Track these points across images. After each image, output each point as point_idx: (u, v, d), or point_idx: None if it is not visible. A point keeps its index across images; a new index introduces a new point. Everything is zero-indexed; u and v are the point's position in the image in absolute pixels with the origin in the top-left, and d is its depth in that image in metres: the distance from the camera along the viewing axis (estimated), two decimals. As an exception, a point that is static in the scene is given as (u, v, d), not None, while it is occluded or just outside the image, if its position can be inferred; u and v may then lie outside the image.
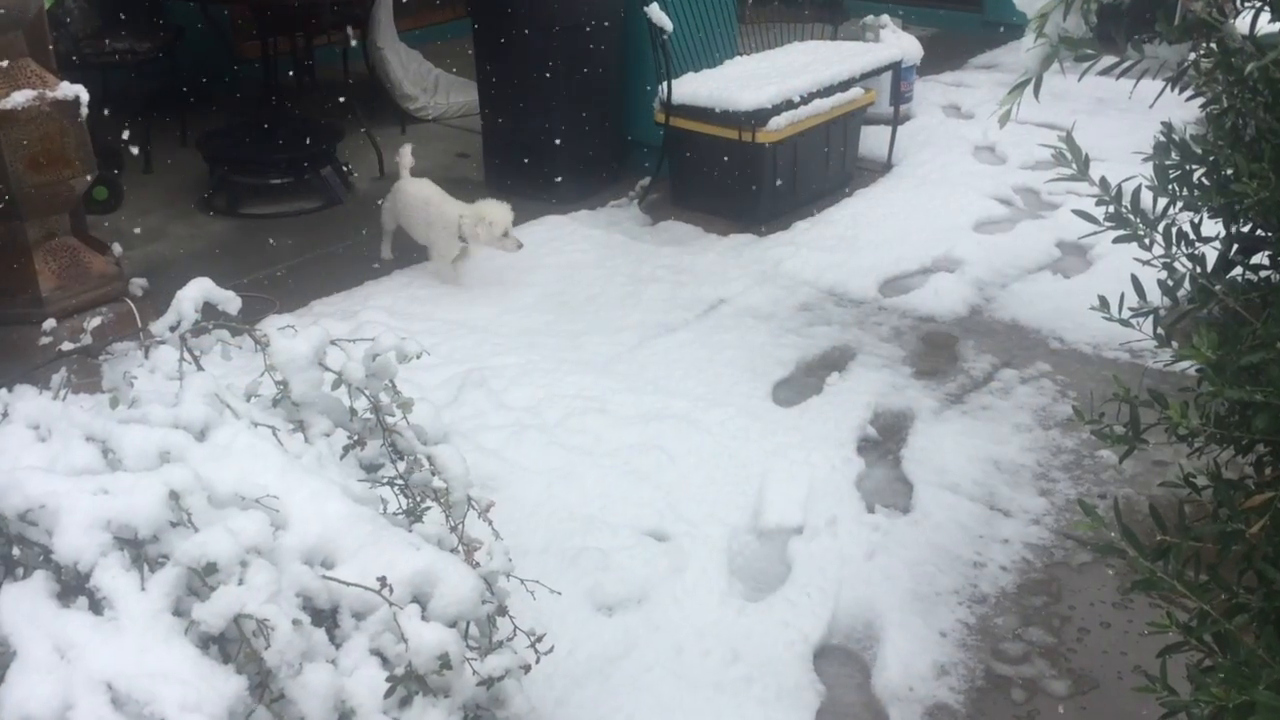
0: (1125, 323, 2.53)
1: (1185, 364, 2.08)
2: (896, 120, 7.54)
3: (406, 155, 5.73)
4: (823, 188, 6.85)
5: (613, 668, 3.13)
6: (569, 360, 4.83)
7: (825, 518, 3.78)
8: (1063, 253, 6.10)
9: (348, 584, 2.14)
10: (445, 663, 2.19)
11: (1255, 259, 2.53)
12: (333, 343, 2.70)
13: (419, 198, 5.58)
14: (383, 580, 2.16)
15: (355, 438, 2.77)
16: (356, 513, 2.27)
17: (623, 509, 3.79)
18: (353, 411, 2.74)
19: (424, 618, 2.27)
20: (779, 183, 6.42)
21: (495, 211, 5.28)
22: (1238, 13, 2.32)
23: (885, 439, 4.38)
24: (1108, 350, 5.04)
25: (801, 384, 4.80)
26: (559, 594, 2.85)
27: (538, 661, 2.57)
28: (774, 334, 5.15)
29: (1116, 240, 2.42)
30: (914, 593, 3.49)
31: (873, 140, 7.59)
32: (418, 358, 2.79)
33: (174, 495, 2.00)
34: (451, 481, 2.75)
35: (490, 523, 2.77)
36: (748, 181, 6.34)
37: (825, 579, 3.51)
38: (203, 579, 1.92)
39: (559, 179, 6.78)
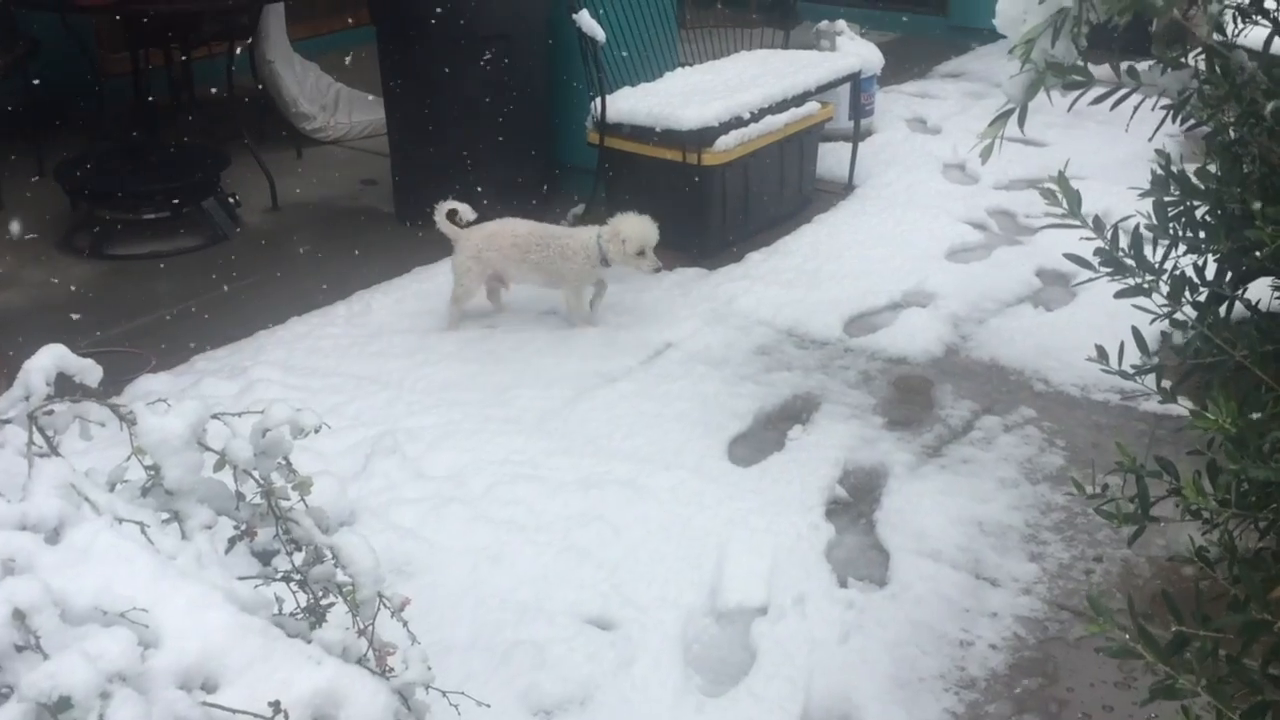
0: (1127, 375, 2.52)
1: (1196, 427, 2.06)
2: (857, 136, 7.62)
3: (458, 205, 5.46)
4: (778, 214, 6.87)
5: (552, 783, 3.03)
6: (495, 419, 4.74)
7: (792, 595, 3.73)
8: (1043, 282, 6.18)
9: (234, 711, 2.03)
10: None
11: (1255, 290, 2.55)
12: (214, 417, 2.59)
13: (528, 236, 5.43)
14: (276, 705, 2.05)
15: (243, 527, 2.66)
16: (244, 623, 2.15)
17: (561, 593, 3.70)
18: (240, 497, 2.63)
19: (327, 744, 2.17)
20: (729, 209, 6.44)
21: (632, 226, 5.24)
22: (1237, 31, 2.34)
23: (857, 500, 4.35)
24: (1097, 392, 5.08)
25: (760, 439, 4.76)
26: (487, 706, 2.75)
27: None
28: (728, 382, 5.12)
29: (1118, 295, 2.42)
30: (895, 679, 3.45)
31: (832, 159, 7.67)
32: (316, 431, 2.69)
33: (18, 614, 1.87)
34: (358, 576, 2.65)
35: (405, 623, 2.67)
36: (694, 209, 6.34)
37: (794, 667, 3.45)
38: (54, 716, 1.79)
39: (480, 207, 6.65)
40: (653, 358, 5.36)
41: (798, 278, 6.09)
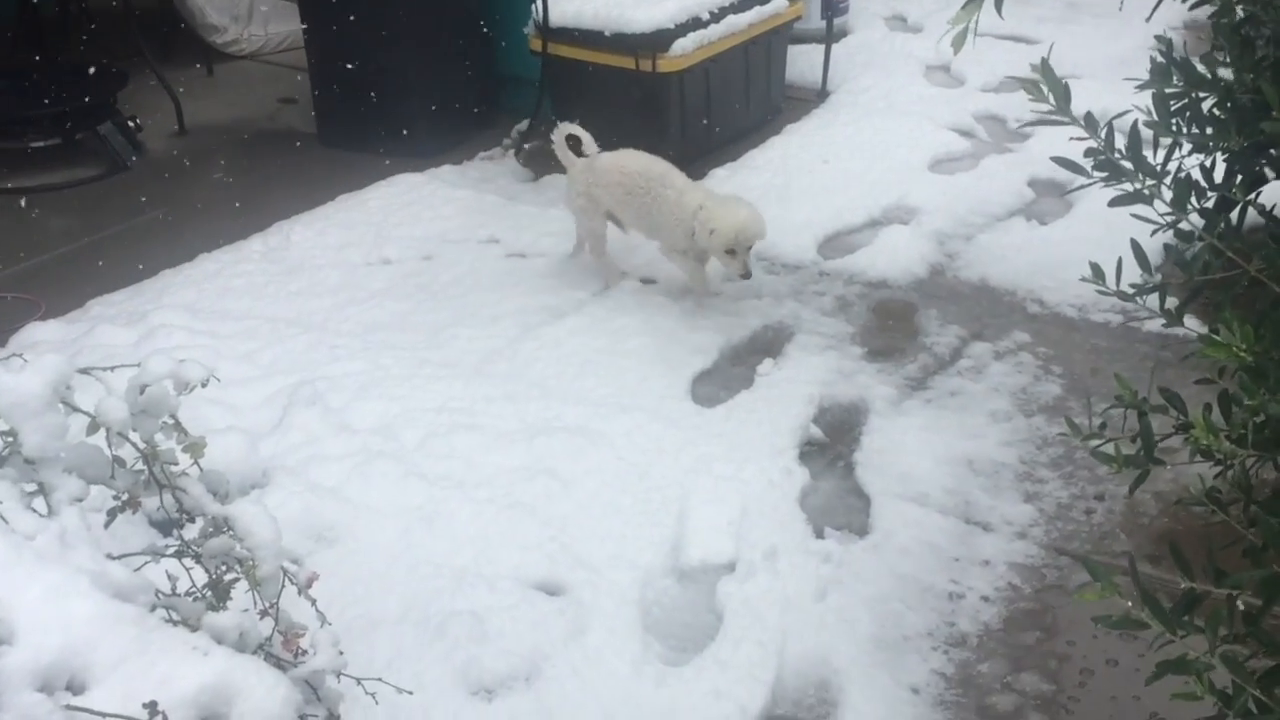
0: (1126, 297, 2.38)
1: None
2: (830, 37, 7.42)
3: (578, 131, 5.09)
4: (744, 124, 6.70)
5: (496, 769, 2.92)
6: (430, 362, 4.58)
7: (763, 549, 3.62)
8: (1037, 193, 6.06)
9: (103, 715, 1.88)
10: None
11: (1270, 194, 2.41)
12: (82, 371, 2.41)
13: (636, 175, 4.91)
14: (152, 707, 1.90)
15: (124, 497, 2.50)
16: (114, 612, 2.00)
17: (503, 556, 3.57)
18: (118, 463, 2.47)
19: (220, 746, 2.04)
20: (688, 121, 6.26)
21: (726, 216, 4.64)
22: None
23: (834, 440, 4.23)
24: (1096, 313, 4.98)
25: (726, 375, 4.63)
26: (409, 693, 2.62)
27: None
28: (689, 314, 4.98)
29: (1113, 203, 2.27)
30: (878, 639, 3.36)
31: (803, 63, 7.47)
32: (203, 385, 2.52)
33: None
34: (257, 550, 2.50)
35: (313, 602, 2.53)
36: (650, 121, 6.16)
37: (765, 629, 3.34)
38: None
39: (412, 127, 6.52)
40: (605, 289, 5.20)
41: (766, 194, 5.92)
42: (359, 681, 2.43)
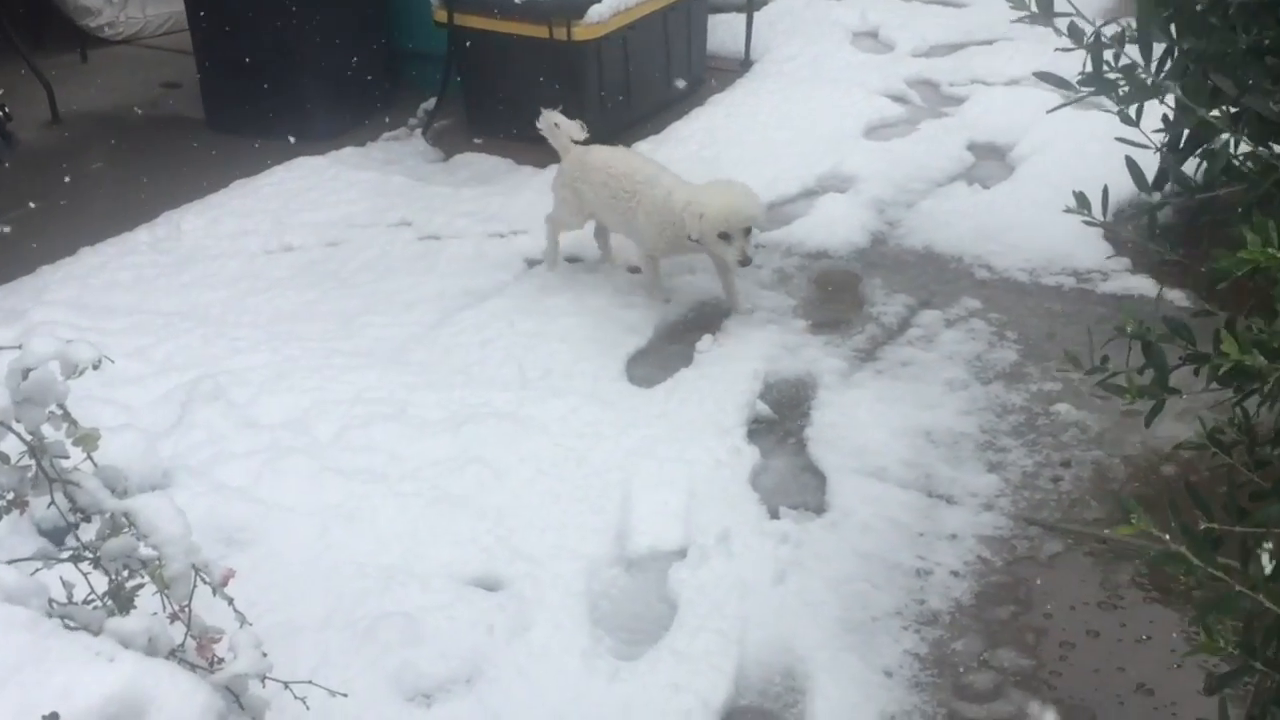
0: (1113, 227, 2.31)
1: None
2: (751, 4, 7.34)
3: (562, 120, 4.88)
4: (666, 96, 6.61)
5: (439, 782, 2.77)
6: (342, 352, 4.41)
7: (715, 532, 3.52)
8: (977, 157, 6.06)
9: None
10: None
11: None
12: (-45, 355, 2.24)
13: (620, 177, 4.67)
14: (53, 719, 1.74)
15: (9, 496, 2.32)
16: (4, 617, 1.84)
17: (435, 552, 3.42)
18: (1, 459, 2.30)
19: (131, 762, 1.88)
20: (607, 92, 6.15)
21: (715, 198, 4.38)
22: None
23: (783, 417, 4.15)
24: (1047, 276, 4.96)
25: (664, 354, 4.53)
26: (344, 695, 2.47)
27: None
28: (621, 292, 4.87)
29: (1123, 106, 2.15)
30: (844, 621, 3.27)
31: (724, 32, 7.41)
32: (95, 367, 2.36)
33: None
34: (164, 547, 2.35)
35: (230, 601, 2.38)
36: (566, 93, 6.01)
37: (723, 617, 3.24)
38: None
39: (308, 107, 6.33)
40: (529, 270, 5.09)
41: (694, 168, 5.76)
42: (286, 686, 2.27)
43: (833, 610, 3.30)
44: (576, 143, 4.88)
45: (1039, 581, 3.43)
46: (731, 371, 4.30)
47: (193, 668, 2.17)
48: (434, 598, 3.24)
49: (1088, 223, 2.42)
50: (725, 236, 4.33)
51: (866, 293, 4.88)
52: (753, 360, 4.37)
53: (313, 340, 4.49)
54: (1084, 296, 4.82)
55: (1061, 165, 5.67)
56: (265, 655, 2.27)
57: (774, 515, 3.67)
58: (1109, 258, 4.99)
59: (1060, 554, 3.53)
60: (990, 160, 6.00)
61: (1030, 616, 3.31)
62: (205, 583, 2.35)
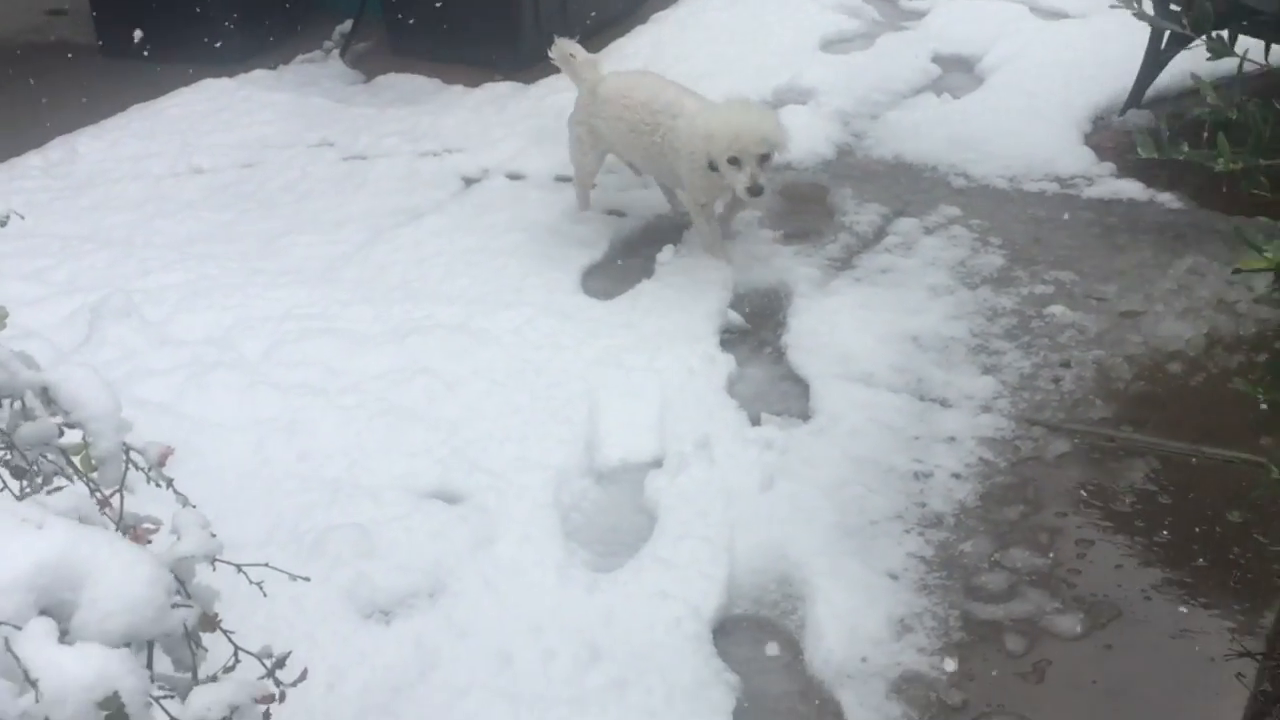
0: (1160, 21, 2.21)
1: None
2: (693, -82, 7.22)
3: (578, 49, 4.55)
4: (606, 12, 6.48)
5: (403, 700, 2.62)
6: (266, 271, 4.21)
7: (693, 440, 3.39)
8: (943, 69, 6.00)
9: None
10: (114, 709, 1.63)
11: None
12: None
13: (642, 106, 4.29)
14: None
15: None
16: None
17: (384, 465, 3.26)
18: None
19: (65, 639, 1.71)
20: (542, 9, 6.00)
21: (724, 114, 4.05)
22: None
23: (757, 326, 4.03)
24: (1029, 183, 4.90)
25: (622, 269, 4.39)
26: (306, 579, 2.30)
27: (282, 698, 2.02)
28: (569, 210, 4.72)
29: None
30: (840, 526, 3.16)
31: (666, -55, 7.28)
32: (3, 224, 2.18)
33: None
34: (90, 424, 2.16)
35: (169, 483, 2.19)
36: (499, 11, 5.89)
37: (709, 524, 3.11)
38: None
39: (212, 29, 6.08)
40: (467, 188, 4.92)
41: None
42: (239, 569, 2.10)
43: (827, 515, 3.18)
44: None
45: (1048, 482, 3.34)
46: (698, 281, 4.18)
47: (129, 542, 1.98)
48: (387, 510, 3.08)
49: (1137, 15, 2.24)
50: (735, 162, 3.93)
51: (836, 203, 4.78)
52: (720, 270, 4.25)
53: (232, 260, 4.30)
54: (1069, 201, 4.76)
55: (1035, 74, 5.66)
56: (214, 535, 2.09)
57: (755, 422, 3.55)
58: (1095, 162, 4.96)
59: (1068, 454, 3.44)
60: (957, 72, 5.94)
61: (1041, 517, 3.21)
62: (138, 468, 2.17)
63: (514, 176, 5.00)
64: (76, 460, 2.15)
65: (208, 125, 5.35)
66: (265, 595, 2.13)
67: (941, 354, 3.86)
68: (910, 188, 4.91)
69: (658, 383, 3.62)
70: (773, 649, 2.85)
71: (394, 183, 4.91)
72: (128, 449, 2.21)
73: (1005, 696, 2.70)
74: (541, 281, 4.18)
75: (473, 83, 5.74)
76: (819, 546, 3.07)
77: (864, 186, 4.91)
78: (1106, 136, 5.29)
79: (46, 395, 2.19)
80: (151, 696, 1.72)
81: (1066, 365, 3.80)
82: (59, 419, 2.16)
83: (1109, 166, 4.96)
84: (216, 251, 4.36)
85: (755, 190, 3.94)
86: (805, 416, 3.59)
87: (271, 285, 4.08)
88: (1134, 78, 5.39)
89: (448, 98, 5.66)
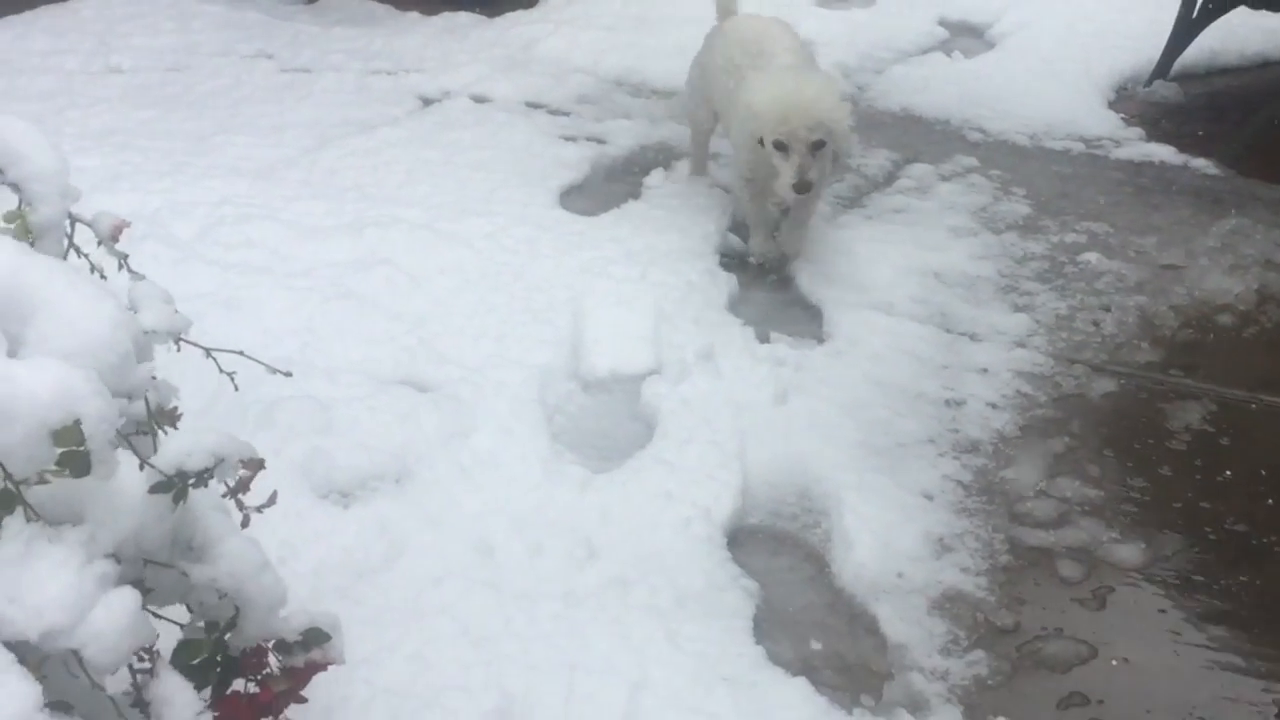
0: None
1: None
2: None
3: None
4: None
5: (366, 585, 2.43)
6: (195, 166, 4.03)
7: (695, 351, 3.26)
8: (951, 33, 6.00)
9: None
10: (74, 441, 1.44)
11: None
12: None
13: (739, 44, 3.98)
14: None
15: None
16: None
17: (341, 349, 3.08)
18: None
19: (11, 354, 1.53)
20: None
21: (769, 87, 3.59)
22: None
23: (760, 253, 3.93)
24: (1051, 141, 4.87)
25: (604, 191, 4.27)
26: (288, 374, 2.13)
27: (245, 522, 1.85)
28: (544, 131, 4.62)
29: None
30: (865, 445, 3.03)
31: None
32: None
33: None
34: (28, 184, 2.00)
35: (124, 260, 2.05)
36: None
37: (716, 431, 2.97)
38: None
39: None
40: (426, 106, 4.80)
41: (620, 22, 5.65)
42: (209, 354, 1.93)
43: (850, 434, 3.06)
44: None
45: (1094, 418, 3.25)
46: (691, 205, 4.08)
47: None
48: (345, 390, 2.91)
49: None
50: (781, 147, 3.51)
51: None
52: (717, 197, 4.14)
53: (157, 152, 4.12)
54: (1095, 161, 4.73)
55: (1051, 42, 5.71)
56: (179, 312, 1.92)
57: (764, 340, 3.43)
58: (1123, 126, 4.96)
59: (1114, 393, 3.35)
60: (965, 37, 5.97)
61: (1088, 451, 3.11)
62: (80, 223, 2.00)
63: (479, 99, 4.88)
64: (11, 228, 1.97)
65: (128, 27, 5.19)
66: (236, 389, 1.95)
67: (968, 290, 3.77)
68: (921, 138, 4.87)
69: (652, 295, 3.49)
70: (793, 560, 2.72)
71: (343, 96, 4.78)
72: (73, 219, 2.04)
73: (1064, 621, 2.58)
74: (514, 195, 4.06)
75: (429, 11, 5.64)
76: (843, 462, 2.95)
77: (871, 134, 4.85)
78: (1131, 105, 5.29)
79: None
80: (120, 434, 1.54)
81: (1106, 309, 3.73)
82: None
83: (1137, 131, 4.96)
84: (138, 144, 4.18)
85: (801, 187, 3.48)
86: (820, 339, 3.50)
87: (204, 176, 3.91)
88: (1158, 51, 5.43)
89: (403, 24, 5.57)
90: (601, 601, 2.47)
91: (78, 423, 1.45)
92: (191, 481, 1.58)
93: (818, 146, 3.51)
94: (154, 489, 1.55)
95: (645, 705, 2.24)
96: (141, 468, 1.60)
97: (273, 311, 3.16)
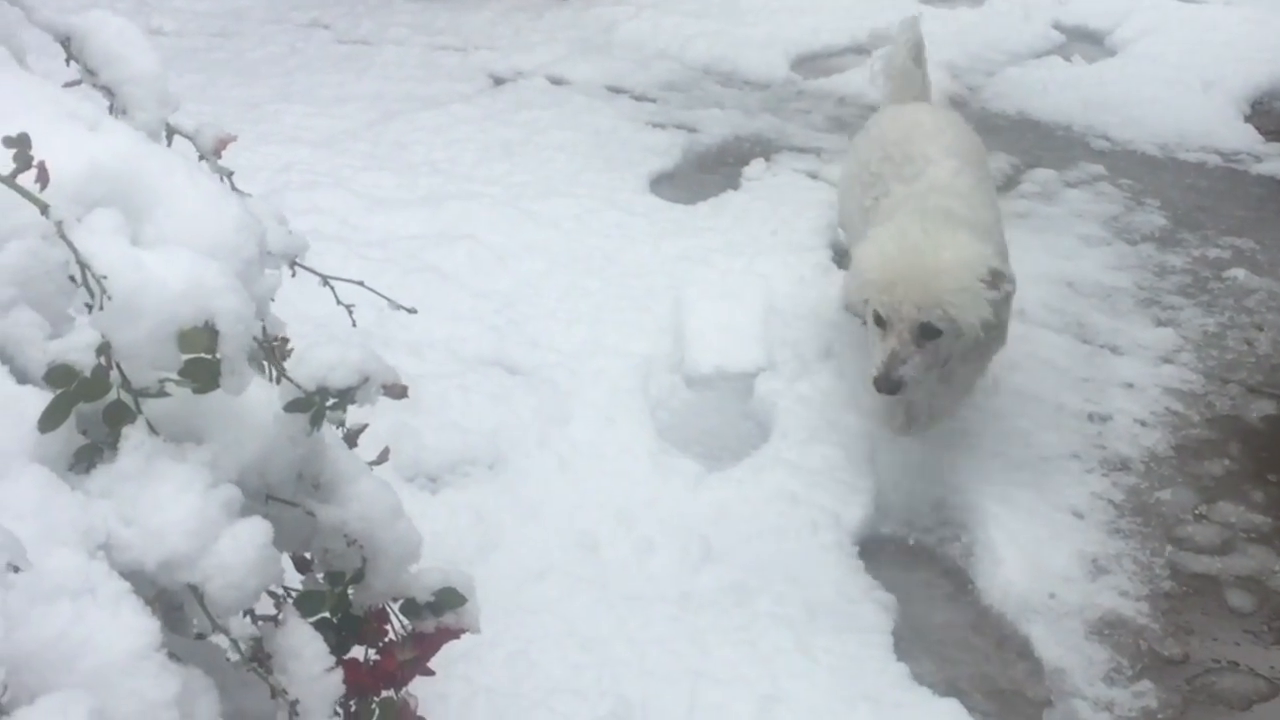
0: None
1: None
2: None
3: (899, 63, 3.72)
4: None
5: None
6: (251, 132, 4.00)
7: (813, 348, 3.20)
8: (1067, 37, 5.94)
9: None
10: (203, 345, 1.37)
11: None
12: None
13: (894, 144, 3.30)
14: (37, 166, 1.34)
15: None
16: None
17: (424, 324, 3.02)
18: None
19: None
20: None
21: (872, 249, 2.82)
22: None
23: (873, 252, 3.86)
24: (1185, 153, 4.79)
25: (697, 180, 4.23)
26: (411, 310, 2.08)
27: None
28: (629, 116, 4.59)
29: None
30: (1005, 458, 2.96)
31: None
32: None
33: None
34: (124, 87, 1.98)
35: (229, 175, 1.99)
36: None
37: (842, 433, 2.90)
38: None
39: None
40: (497, 85, 4.78)
41: (707, 8, 5.62)
42: (326, 281, 1.88)
43: (988, 445, 3.00)
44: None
45: (1255, 441, 3.16)
46: (795, 199, 4.02)
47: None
48: (433, 367, 2.86)
49: None
50: (881, 322, 2.75)
51: (954, 146, 4.66)
52: (822, 189, 4.08)
53: (206, 118, 4.06)
54: (1234, 175, 4.65)
55: (1178, 51, 5.63)
56: (294, 234, 1.87)
57: (887, 341, 3.35)
58: (1262, 141, 4.88)
59: (1274, 416, 3.26)
60: (1083, 42, 5.89)
61: (1249, 475, 3.03)
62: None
63: (556, 81, 4.86)
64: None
65: (165, -12, 5.17)
66: (354, 324, 1.90)
67: (1105, 301, 3.71)
68: (1040, 144, 4.81)
69: (761, 287, 3.43)
70: (929, 575, 2.66)
71: (406, 70, 4.77)
72: (171, 130, 2.00)
73: (1238, 654, 2.50)
74: (600, 179, 4.03)
75: (500, -17, 5.62)
76: (983, 474, 2.89)
77: (986, 137, 4.73)
78: (1270, 120, 5.21)
79: (70, 46, 1.97)
80: (256, 339, 1.47)
81: (1260, 329, 3.64)
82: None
83: (1278, 147, 4.88)
84: (187, 109, 4.11)
85: (885, 384, 2.66)
86: (948, 343, 3.41)
87: (261, 143, 3.88)
88: (1299, 65, 5.37)
89: (468, 0, 5.54)
90: (722, 606, 2.41)
91: (210, 324, 1.37)
92: (333, 401, 1.51)
93: (929, 334, 2.70)
94: (290, 406, 1.48)
95: (779, 719, 2.17)
96: (277, 380, 1.53)
97: (333, 268, 3.11)
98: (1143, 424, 3.17)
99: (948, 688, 2.35)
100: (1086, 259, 3.92)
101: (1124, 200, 4.36)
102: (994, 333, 2.84)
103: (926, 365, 2.70)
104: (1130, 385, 3.32)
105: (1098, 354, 3.44)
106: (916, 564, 2.68)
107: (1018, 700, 2.36)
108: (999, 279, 2.76)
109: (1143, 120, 4.99)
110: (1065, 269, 3.84)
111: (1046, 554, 2.66)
